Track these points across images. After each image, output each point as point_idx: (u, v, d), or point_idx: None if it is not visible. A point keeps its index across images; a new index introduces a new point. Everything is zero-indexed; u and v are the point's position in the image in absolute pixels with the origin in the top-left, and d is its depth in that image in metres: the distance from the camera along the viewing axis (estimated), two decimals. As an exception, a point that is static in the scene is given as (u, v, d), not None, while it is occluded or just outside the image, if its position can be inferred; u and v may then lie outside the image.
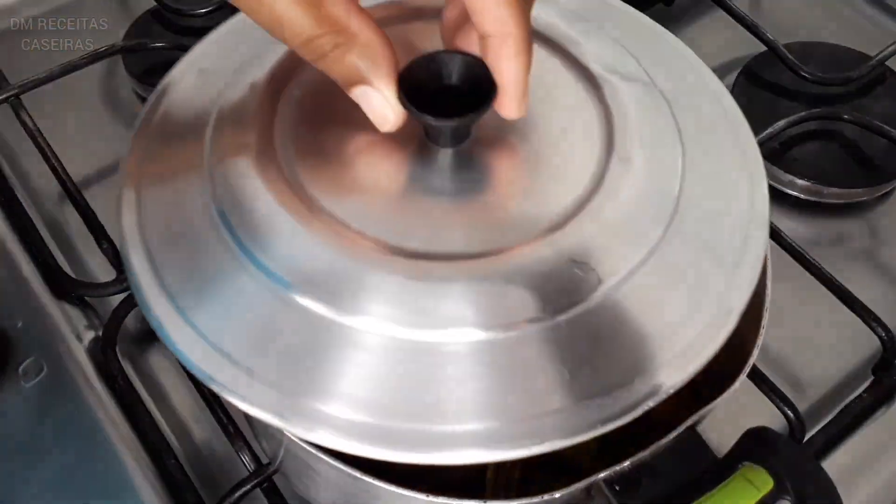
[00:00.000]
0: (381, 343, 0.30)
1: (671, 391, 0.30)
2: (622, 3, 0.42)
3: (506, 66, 0.31)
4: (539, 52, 0.36)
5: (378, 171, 0.34)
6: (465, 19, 0.32)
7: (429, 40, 0.36)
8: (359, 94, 0.32)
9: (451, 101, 0.32)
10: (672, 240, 0.33)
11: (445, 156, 0.34)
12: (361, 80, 0.31)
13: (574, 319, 0.31)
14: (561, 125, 0.36)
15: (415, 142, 0.34)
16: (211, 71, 0.39)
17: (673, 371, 0.31)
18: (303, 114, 0.36)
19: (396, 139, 0.33)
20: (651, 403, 0.30)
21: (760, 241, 0.34)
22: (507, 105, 0.32)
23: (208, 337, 0.31)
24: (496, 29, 0.30)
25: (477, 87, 0.32)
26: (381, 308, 0.30)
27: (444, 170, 0.34)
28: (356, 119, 0.32)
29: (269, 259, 0.32)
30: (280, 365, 0.30)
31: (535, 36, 0.32)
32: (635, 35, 0.40)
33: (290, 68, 0.37)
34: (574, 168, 0.34)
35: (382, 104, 0.31)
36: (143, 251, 0.34)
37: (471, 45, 0.33)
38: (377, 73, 0.31)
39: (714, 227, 0.34)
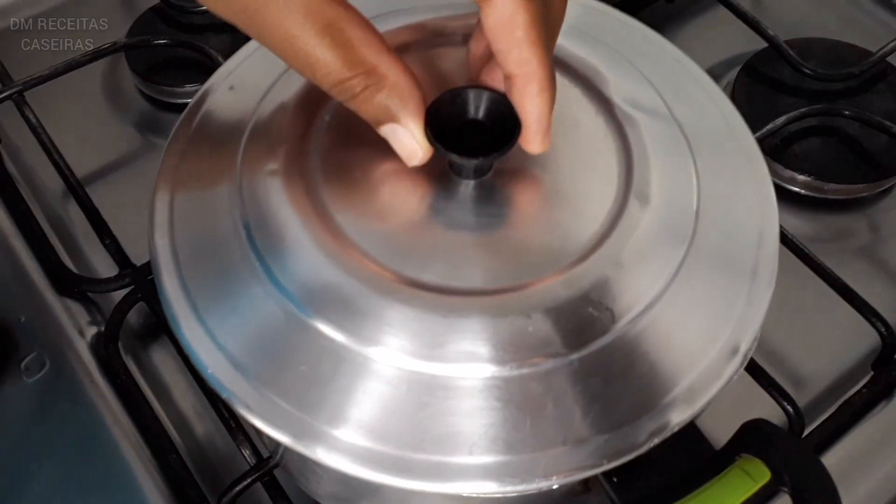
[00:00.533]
0: (395, 374, 0.31)
1: (676, 429, 0.31)
2: (644, 26, 0.43)
3: (529, 105, 0.32)
4: (561, 80, 0.37)
5: (401, 201, 0.35)
6: (491, 53, 0.33)
7: (452, 64, 0.38)
8: (388, 132, 0.33)
9: (475, 135, 0.33)
10: (682, 280, 0.34)
11: (468, 187, 0.35)
12: (390, 119, 0.32)
13: (587, 357, 0.32)
14: (581, 158, 0.36)
15: (439, 172, 0.35)
16: (240, 89, 0.40)
17: (679, 408, 0.32)
18: (331, 138, 0.37)
19: (421, 169, 0.34)
20: (656, 440, 0.31)
21: (768, 285, 0.35)
22: (531, 141, 0.33)
23: (233, 356, 0.33)
24: (520, 70, 0.31)
25: (501, 122, 0.33)
26: (396, 340, 0.31)
27: (466, 202, 0.35)
28: (382, 145, 0.33)
29: (292, 283, 0.33)
30: (300, 389, 0.32)
31: (558, 64, 0.33)
32: (654, 61, 0.41)
33: (319, 91, 0.38)
34: (592, 204, 0.35)
35: (411, 141, 0.32)
36: (173, 267, 0.35)
37: (496, 80, 0.34)
38: (405, 111, 0.32)
39: (725, 266, 0.35)
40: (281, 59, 0.30)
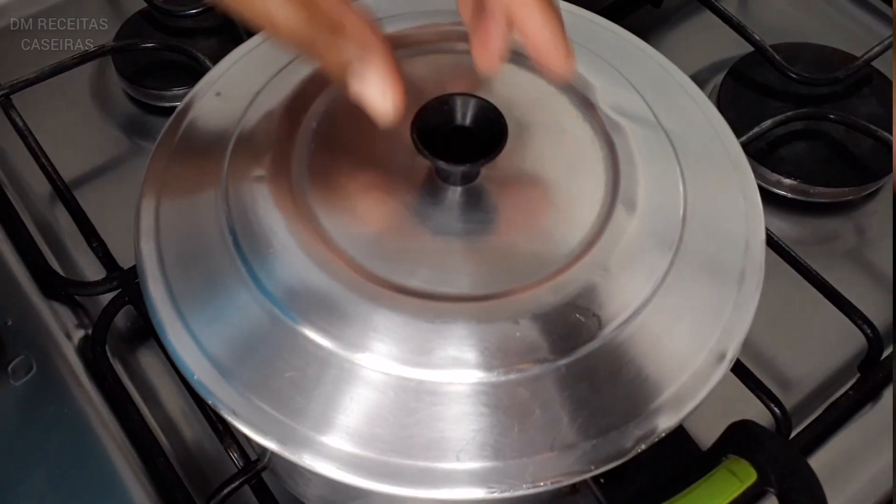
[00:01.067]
0: (382, 380, 0.31)
1: (663, 435, 0.31)
2: (630, 34, 0.43)
3: (533, 25, 0.31)
4: (548, 87, 0.38)
5: (388, 207, 0.35)
6: (481, 8, 0.33)
7: (437, 73, 0.38)
8: (355, 85, 0.32)
9: (463, 141, 0.33)
10: (669, 287, 0.34)
11: (455, 193, 0.35)
12: (356, 72, 0.32)
13: (574, 363, 0.32)
14: (568, 165, 0.37)
15: (426, 178, 0.35)
16: (227, 95, 0.40)
17: (667, 414, 0.32)
18: (318, 144, 0.37)
19: (408, 175, 0.34)
20: (643, 446, 0.31)
21: (755, 292, 0.35)
22: (555, 62, 0.32)
23: (219, 362, 0.33)
24: (513, 3, 0.31)
25: (488, 129, 0.33)
26: (383, 346, 0.31)
27: (453, 208, 0.35)
28: (369, 152, 0.34)
29: (278, 289, 0.33)
30: (287, 395, 0.32)
31: None
32: (641, 68, 0.41)
33: (306, 97, 0.38)
34: (580, 210, 0.35)
35: (377, 93, 0.32)
36: (159, 274, 0.35)
37: (490, 28, 0.33)
38: (370, 58, 0.31)
39: (712, 272, 0.35)
40: (242, 14, 0.30)
